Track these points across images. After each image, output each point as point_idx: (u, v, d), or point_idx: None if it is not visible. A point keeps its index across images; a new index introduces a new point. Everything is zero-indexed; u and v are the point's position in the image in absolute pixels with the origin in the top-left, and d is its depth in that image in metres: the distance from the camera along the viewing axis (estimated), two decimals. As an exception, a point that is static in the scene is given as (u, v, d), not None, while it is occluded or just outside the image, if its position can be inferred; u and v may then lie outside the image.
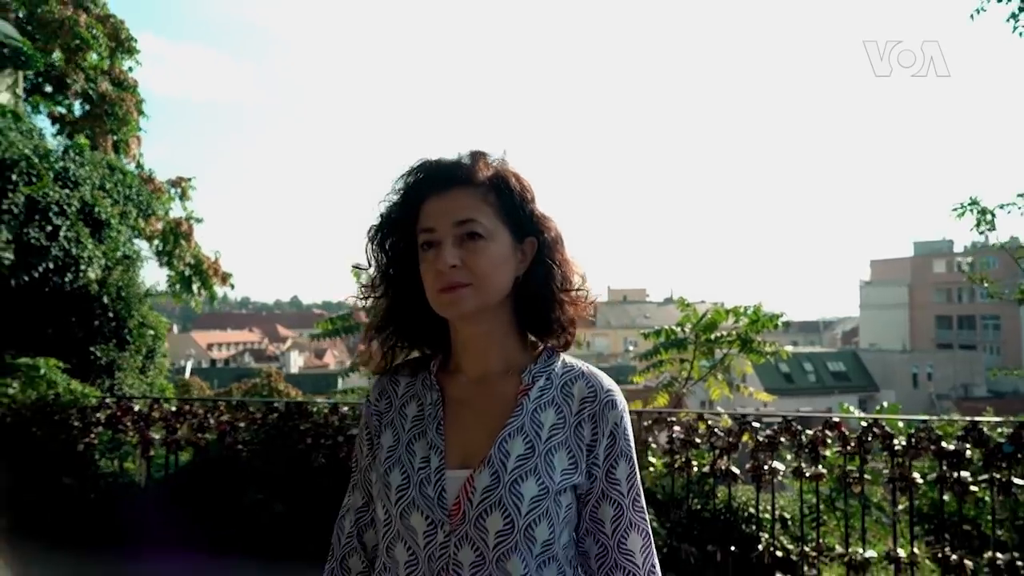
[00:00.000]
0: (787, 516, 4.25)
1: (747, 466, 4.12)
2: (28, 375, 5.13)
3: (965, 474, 3.75)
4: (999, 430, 3.87)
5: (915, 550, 3.81)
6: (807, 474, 4.03)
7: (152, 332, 6.32)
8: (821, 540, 4.02)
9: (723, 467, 4.12)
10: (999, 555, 3.67)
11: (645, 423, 4.34)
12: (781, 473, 4.05)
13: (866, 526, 4.08)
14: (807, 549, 3.97)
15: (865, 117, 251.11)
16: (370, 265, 1.14)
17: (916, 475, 3.88)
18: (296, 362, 56.52)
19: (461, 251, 1.02)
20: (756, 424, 4.15)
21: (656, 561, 1.07)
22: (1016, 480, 3.68)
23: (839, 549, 3.98)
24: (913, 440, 3.86)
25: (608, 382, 1.10)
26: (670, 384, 6.57)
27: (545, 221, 1.10)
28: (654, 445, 4.29)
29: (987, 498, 3.88)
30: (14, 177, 4.87)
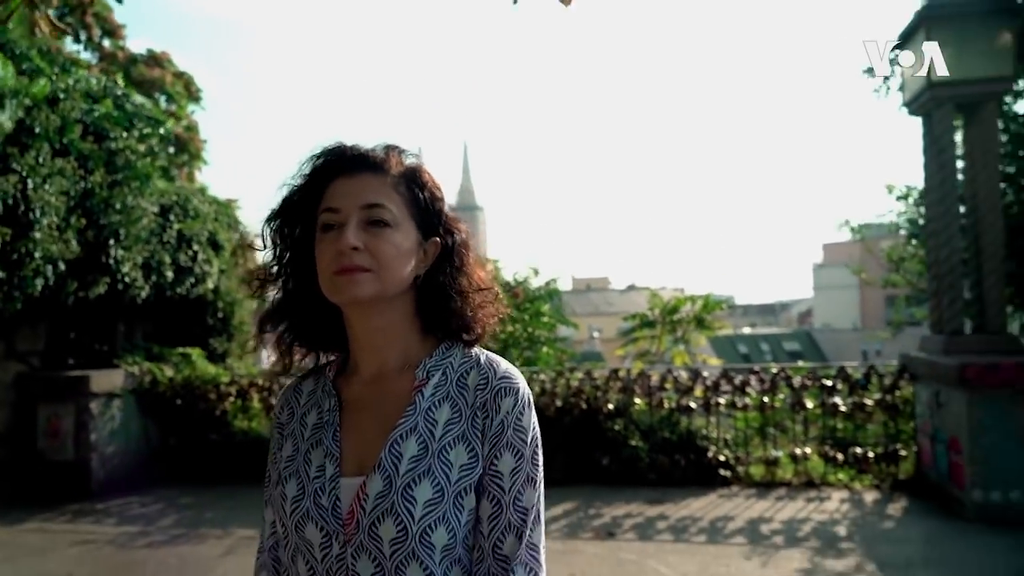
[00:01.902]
0: (727, 436, 6.27)
1: (700, 404, 6.16)
2: (181, 361, 6.93)
3: (836, 399, 5.85)
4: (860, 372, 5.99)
5: (807, 449, 5.89)
6: (738, 405, 6.09)
7: (249, 327, 8.16)
8: (748, 450, 6.08)
9: (684, 404, 6.14)
10: (857, 449, 5.76)
11: (632, 376, 6.34)
12: (722, 405, 6.10)
13: (777, 438, 6.15)
14: (739, 454, 6.01)
15: (818, 105, 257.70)
16: (265, 251, 1.06)
17: (808, 402, 5.97)
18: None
19: (365, 235, 0.95)
20: (705, 374, 6.19)
21: (538, 569, 0.96)
22: (866, 401, 5.78)
23: (759, 453, 6.04)
24: (807, 380, 5.96)
25: (505, 368, 1.01)
26: (644, 354, 8.62)
27: (454, 223, 1.06)
28: (637, 390, 6.28)
29: (851, 414, 5.95)
30: (171, 217, 6.69)
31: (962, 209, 5.36)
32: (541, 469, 1.00)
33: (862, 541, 4.44)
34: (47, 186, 4.75)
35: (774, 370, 6.18)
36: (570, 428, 6.09)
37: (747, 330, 58.29)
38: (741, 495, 5.56)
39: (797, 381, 6.02)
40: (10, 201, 4.49)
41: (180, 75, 10.41)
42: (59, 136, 5.16)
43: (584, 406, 6.13)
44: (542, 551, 0.97)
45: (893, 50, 5.65)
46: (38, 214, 4.69)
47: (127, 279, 6.04)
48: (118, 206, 5.52)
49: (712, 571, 4.03)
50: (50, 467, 6.17)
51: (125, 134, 5.84)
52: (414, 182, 1.02)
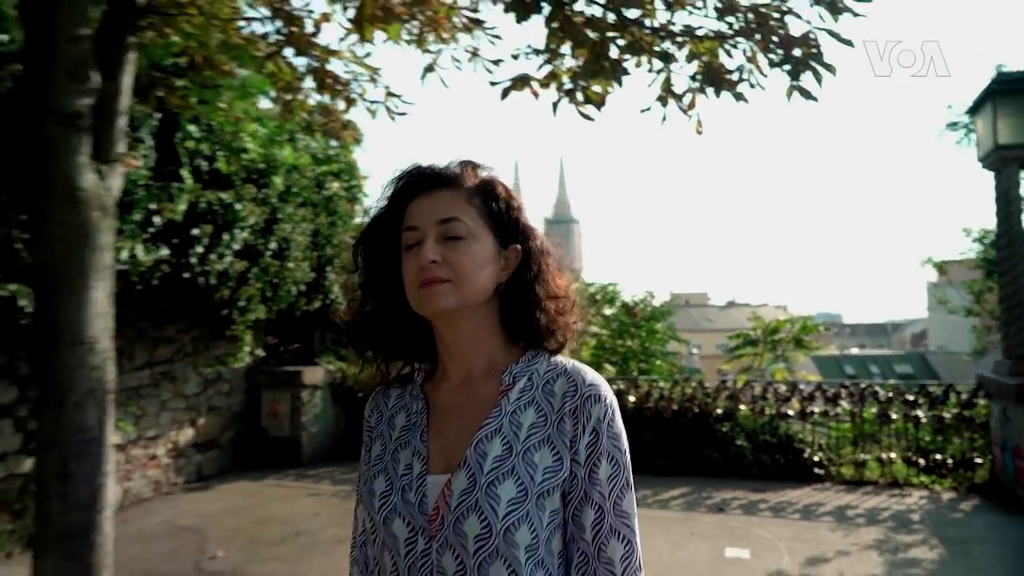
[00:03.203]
0: (821, 442, 7.31)
1: (796, 412, 7.24)
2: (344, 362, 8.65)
3: (918, 412, 6.82)
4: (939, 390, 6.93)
5: (892, 454, 6.87)
6: (830, 414, 7.14)
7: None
8: (840, 453, 7.11)
9: (783, 411, 7.24)
10: (938, 455, 6.71)
11: (738, 387, 7.51)
12: (816, 414, 7.16)
13: (865, 445, 7.14)
14: (831, 456, 7.05)
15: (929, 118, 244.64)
16: (358, 272, 1.13)
17: (892, 414, 6.95)
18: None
19: (443, 248, 1.01)
20: (801, 386, 7.29)
21: (637, 572, 1.00)
22: (944, 415, 6.73)
23: (850, 456, 7.06)
24: (891, 394, 6.95)
25: (592, 376, 1.04)
26: (746, 370, 9.69)
27: (530, 231, 1.10)
28: (742, 399, 7.42)
29: (935, 426, 6.89)
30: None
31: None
32: (631, 480, 1.03)
33: (931, 524, 5.46)
34: (298, 230, 6.49)
35: (863, 385, 7.20)
36: (684, 428, 7.31)
37: (855, 351, 56.73)
38: (832, 489, 6.62)
39: (883, 396, 7.02)
40: (281, 243, 6.24)
41: (346, 125, 12.32)
42: (302, 191, 6.92)
43: (696, 410, 7.34)
44: (637, 547, 1.01)
45: (967, 113, 6.63)
46: (292, 250, 6.43)
47: (332, 297, 7.76)
48: (334, 241, 7.25)
49: (803, 537, 5.18)
50: (271, 441, 7.95)
51: (336, 184, 7.56)
52: (488, 194, 1.07)
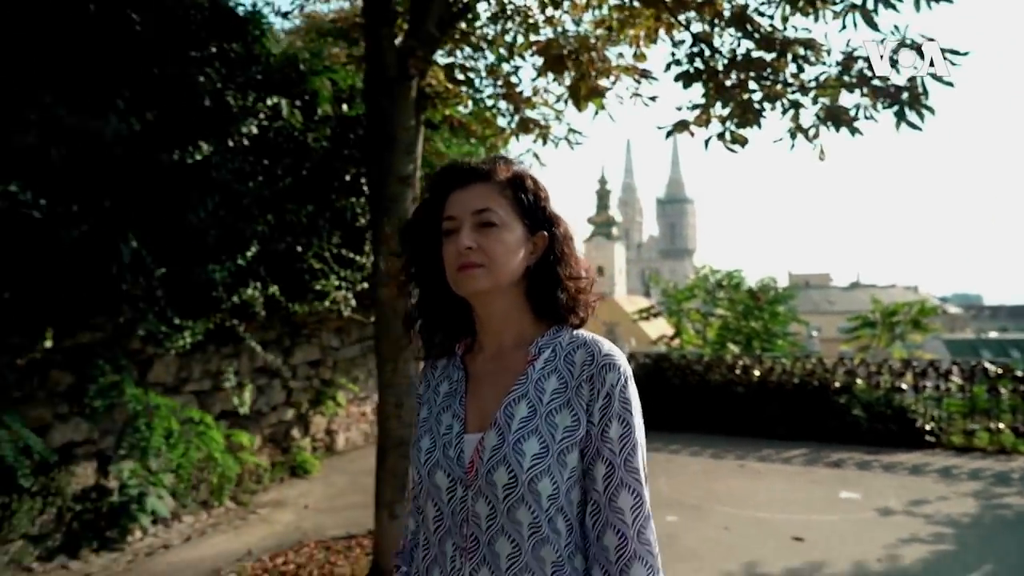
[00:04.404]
0: (934, 413, 8.11)
1: (910, 386, 8.08)
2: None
3: (1026, 387, 7.56)
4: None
5: (1000, 424, 7.62)
6: (941, 388, 7.95)
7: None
8: (951, 423, 7.91)
9: (897, 385, 8.11)
10: (1044, 427, 7.43)
11: (855, 363, 8.43)
12: (928, 388, 7.99)
13: (976, 416, 7.91)
14: (943, 426, 7.87)
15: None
16: (404, 259, 1.27)
17: (1002, 388, 7.69)
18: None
19: (477, 235, 1.15)
20: (914, 363, 8.13)
21: (646, 520, 1.12)
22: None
23: (960, 426, 7.85)
24: (1000, 371, 7.70)
25: (608, 347, 1.17)
26: (865, 349, 10.46)
27: (556, 219, 1.23)
28: (859, 373, 8.33)
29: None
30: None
31: None
32: (642, 442, 1.15)
33: (1028, 481, 6.31)
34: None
35: (972, 363, 7.96)
36: (804, 399, 8.31)
37: (993, 334, 53.74)
38: (941, 454, 7.47)
39: (992, 372, 7.77)
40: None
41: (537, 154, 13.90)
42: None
43: (816, 383, 8.32)
44: (645, 500, 1.13)
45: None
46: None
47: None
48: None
49: (909, 486, 6.18)
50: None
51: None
52: (518, 186, 1.20)
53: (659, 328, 20.09)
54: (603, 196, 74.84)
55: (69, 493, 4.75)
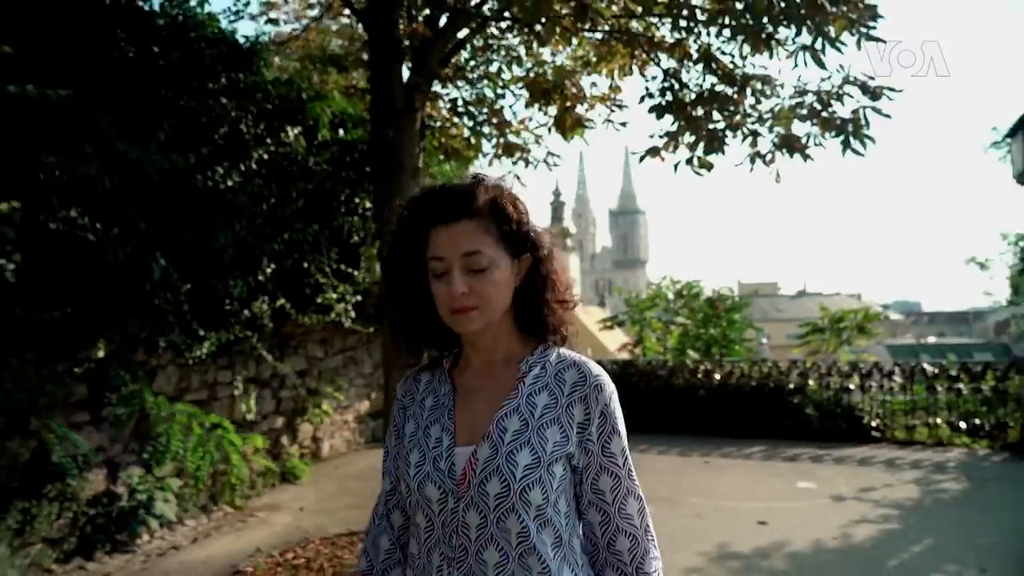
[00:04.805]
0: (878, 410, 8.81)
1: (857, 386, 8.78)
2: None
3: (959, 386, 8.30)
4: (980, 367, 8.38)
5: (938, 419, 8.36)
6: (884, 388, 8.67)
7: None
8: (894, 419, 8.62)
9: (845, 386, 8.80)
10: (976, 420, 8.17)
11: (807, 366, 9.10)
12: (873, 388, 8.69)
13: (916, 412, 8.63)
14: (887, 422, 8.57)
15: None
16: (385, 280, 1.30)
17: (938, 387, 8.43)
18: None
19: (468, 278, 1.16)
20: (860, 365, 8.84)
21: (650, 521, 1.23)
22: (982, 387, 8.19)
23: (902, 421, 8.56)
24: (936, 371, 8.45)
25: (597, 369, 1.23)
26: (814, 354, 11.19)
27: (538, 239, 1.25)
28: (811, 375, 8.99)
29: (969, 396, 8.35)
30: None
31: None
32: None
33: (963, 469, 7.00)
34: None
35: (912, 364, 8.71)
36: (761, 401, 8.93)
37: (932, 339, 56.15)
38: (885, 447, 8.15)
39: (930, 372, 8.51)
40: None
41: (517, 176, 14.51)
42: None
43: (771, 385, 8.95)
44: (645, 503, 1.24)
45: (1006, 137, 8.07)
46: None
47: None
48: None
49: (858, 476, 6.80)
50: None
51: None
52: (500, 216, 1.20)
53: (615, 338, 20.73)
54: (557, 208, 75.95)
55: (83, 498, 5.00)
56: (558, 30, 4.27)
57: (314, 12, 6.60)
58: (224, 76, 4.89)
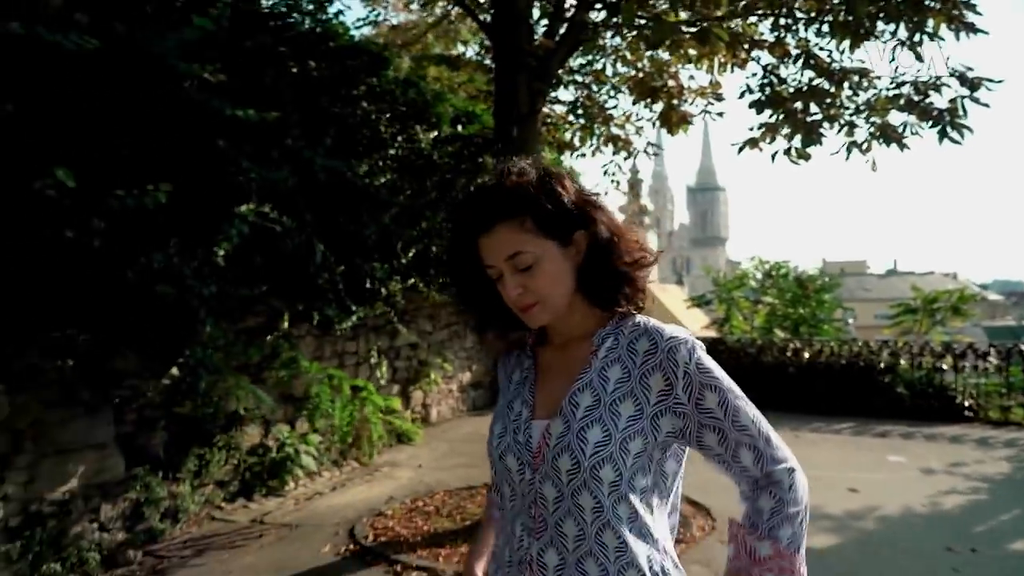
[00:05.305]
0: (972, 391, 8.87)
1: (950, 367, 8.87)
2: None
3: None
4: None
5: (1033, 401, 8.40)
6: (978, 368, 8.73)
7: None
8: (988, 399, 8.68)
9: (938, 366, 8.90)
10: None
11: (899, 345, 9.23)
12: (967, 368, 8.77)
13: (1013, 394, 8.66)
14: (980, 402, 8.65)
15: None
16: (456, 284, 1.32)
17: (1036, 368, 8.47)
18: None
19: (520, 277, 1.18)
20: (954, 346, 8.92)
21: (770, 430, 1.21)
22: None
23: (996, 402, 8.63)
24: (1032, 352, 8.48)
25: (670, 331, 1.19)
26: (906, 334, 11.21)
27: (587, 210, 1.21)
28: (902, 355, 9.12)
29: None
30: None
31: None
32: (741, 394, 1.19)
33: (1057, 449, 7.10)
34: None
35: (1009, 345, 8.73)
36: (851, 379, 9.13)
37: (1029, 318, 53.34)
38: (979, 427, 8.26)
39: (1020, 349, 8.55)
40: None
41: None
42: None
43: (862, 364, 9.14)
44: (777, 442, 1.20)
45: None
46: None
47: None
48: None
49: (949, 452, 7.02)
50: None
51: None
52: (535, 210, 1.17)
53: (695, 317, 20.83)
54: (634, 185, 75.00)
55: (244, 448, 5.84)
56: (668, 42, 4.68)
57: (425, 14, 7.21)
58: (362, 83, 5.53)
